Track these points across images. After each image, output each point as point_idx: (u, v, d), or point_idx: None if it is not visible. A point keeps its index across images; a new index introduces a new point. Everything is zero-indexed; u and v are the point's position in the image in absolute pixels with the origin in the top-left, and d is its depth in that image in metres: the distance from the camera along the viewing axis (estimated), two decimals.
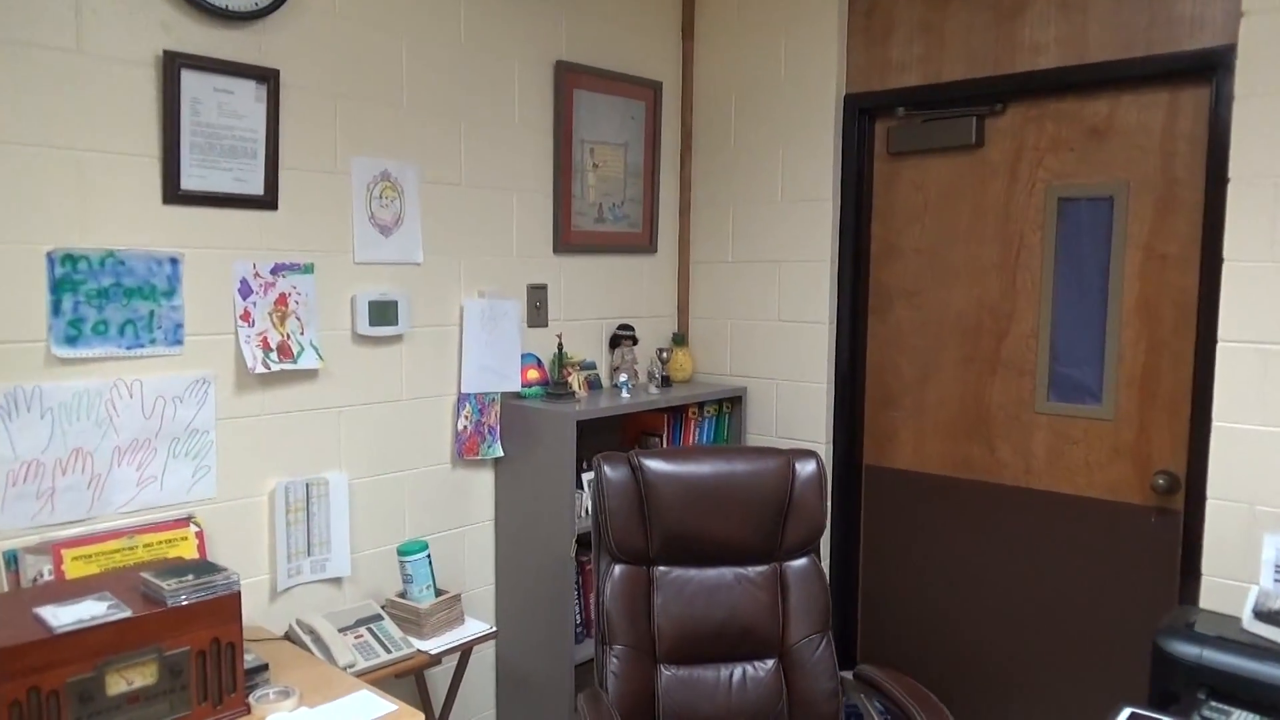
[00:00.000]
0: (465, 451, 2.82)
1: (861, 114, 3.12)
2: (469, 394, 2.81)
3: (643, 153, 3.31)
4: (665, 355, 3.26)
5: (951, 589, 3.06)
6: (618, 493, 2.19)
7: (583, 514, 2.79)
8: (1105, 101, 2.70)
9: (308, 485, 2.46)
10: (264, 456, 2.39)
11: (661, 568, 2.22)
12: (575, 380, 2.99)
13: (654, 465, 2.18)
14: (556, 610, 2.78)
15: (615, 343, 3.29)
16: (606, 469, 2.19)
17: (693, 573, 2.21)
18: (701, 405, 3.25)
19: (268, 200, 2.34)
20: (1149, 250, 2.65)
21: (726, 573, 2.20)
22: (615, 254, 3.29)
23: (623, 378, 3.03)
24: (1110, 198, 2.70)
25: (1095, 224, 2.74)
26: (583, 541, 2.72)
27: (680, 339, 3.47)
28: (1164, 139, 2.61)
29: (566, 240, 3.09)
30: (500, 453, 2.89)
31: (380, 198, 2.58)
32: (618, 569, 2.18)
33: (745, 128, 3.33)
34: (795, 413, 3.26)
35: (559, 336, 2.92)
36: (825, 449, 3.21)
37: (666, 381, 3.15)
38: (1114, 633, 2.74)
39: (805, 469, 2.22)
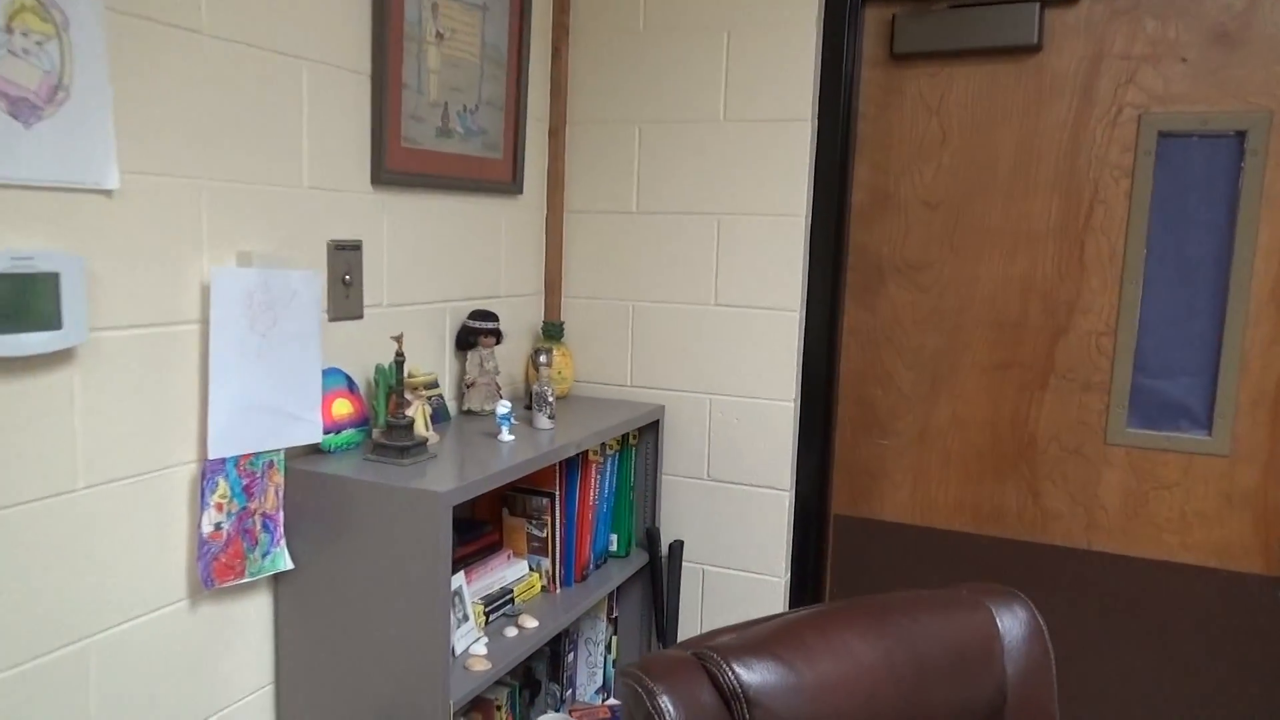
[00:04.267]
0: (218, 574, 1.42)
1: None
2: (223, 460, 1.41)
3: (507, 25, 2.00)
4: (546, 361, 2.00)
5: None
6: None
7: (451, 656, 1.51)
8: None
9: None
10: None
11: None
12: (420, 413, 1.67)
13: (765, 682, 0.87)
14: None
15: (467, 341, 1.98)
16: (669, 708, 0.86)
17: None
18: (604, 445, 2.05)
19: None
20: None
21: None
22: (466, 193, 1.96)
23: (502, 409, 1.74)
24: (1241, 133, 1.84)
25: (1214, 171, 1.87)
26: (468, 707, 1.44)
27: (555, 331, 2.22)
28: None
29: (394, 164, 1.73)
30: (287, 564, 1.51)
31: (13, 32, 1.11)
32: None
33: (664, 3, 2.13)
34: (742, 443, 2.14)
35: (398, 340, 1.58)
36: (788, 496, 2.14)
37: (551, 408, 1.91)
38: None
39: (1014, 629, 1.07)
